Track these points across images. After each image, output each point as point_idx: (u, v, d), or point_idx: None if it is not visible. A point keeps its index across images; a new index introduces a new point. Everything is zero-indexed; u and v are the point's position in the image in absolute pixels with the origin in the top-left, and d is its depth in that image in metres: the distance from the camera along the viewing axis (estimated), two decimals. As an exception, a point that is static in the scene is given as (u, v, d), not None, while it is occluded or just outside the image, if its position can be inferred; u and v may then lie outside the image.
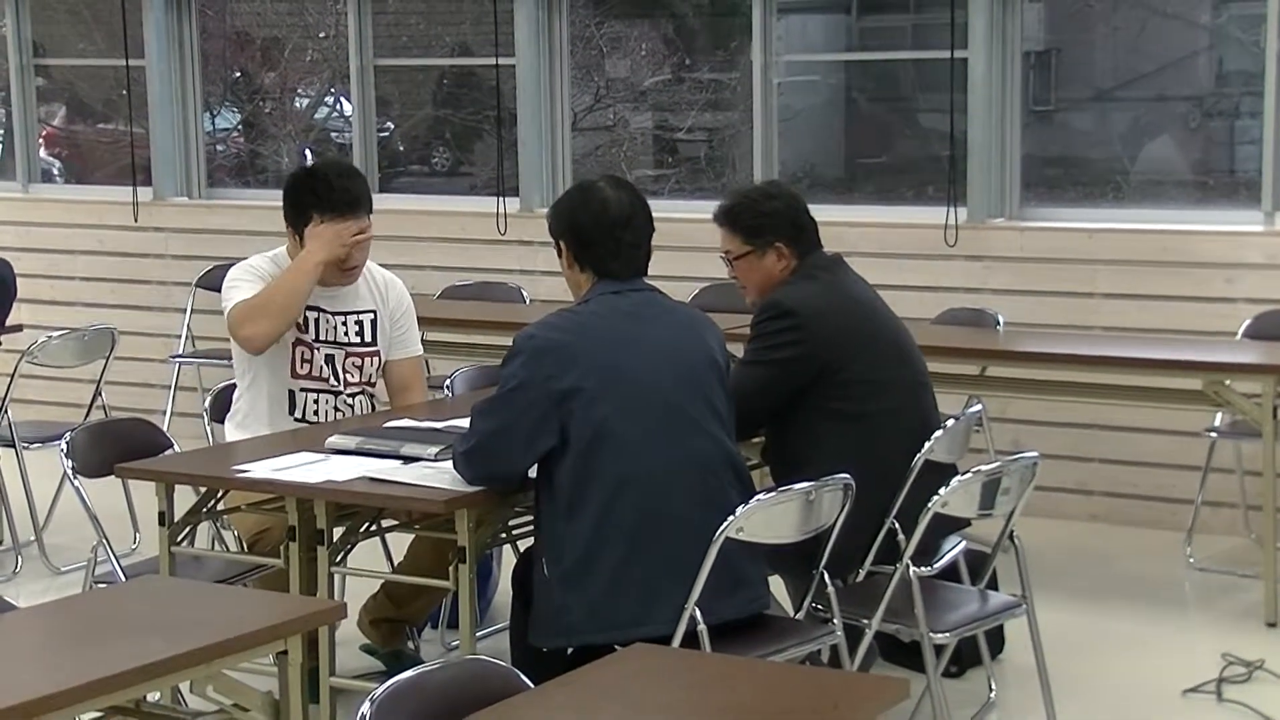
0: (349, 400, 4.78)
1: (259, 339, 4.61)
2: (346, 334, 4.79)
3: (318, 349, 4.74)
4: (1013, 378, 6.06)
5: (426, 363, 5.06)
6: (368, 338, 4.82)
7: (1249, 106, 6.96)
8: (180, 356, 7.70)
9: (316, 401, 4.75)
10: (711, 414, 3.87)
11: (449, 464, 3.97)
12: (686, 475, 3.79)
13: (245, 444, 4.54)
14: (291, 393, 4.73)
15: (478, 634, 4.06)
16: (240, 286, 4.69)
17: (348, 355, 4.78)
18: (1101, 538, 6.42)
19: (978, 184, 6.74)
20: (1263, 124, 6.39)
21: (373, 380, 4.86)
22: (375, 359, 4.84)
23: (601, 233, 3.91)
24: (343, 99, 8.88)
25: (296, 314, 4.64)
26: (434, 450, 4.10)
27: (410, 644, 4.89)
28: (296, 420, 4.71)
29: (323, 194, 4.67)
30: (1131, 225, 6.59)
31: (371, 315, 4.84)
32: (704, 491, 3.80)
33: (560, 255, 4.00)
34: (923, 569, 4.16)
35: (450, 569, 3.95)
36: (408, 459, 4.10)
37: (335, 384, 4.76)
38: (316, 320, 4.75)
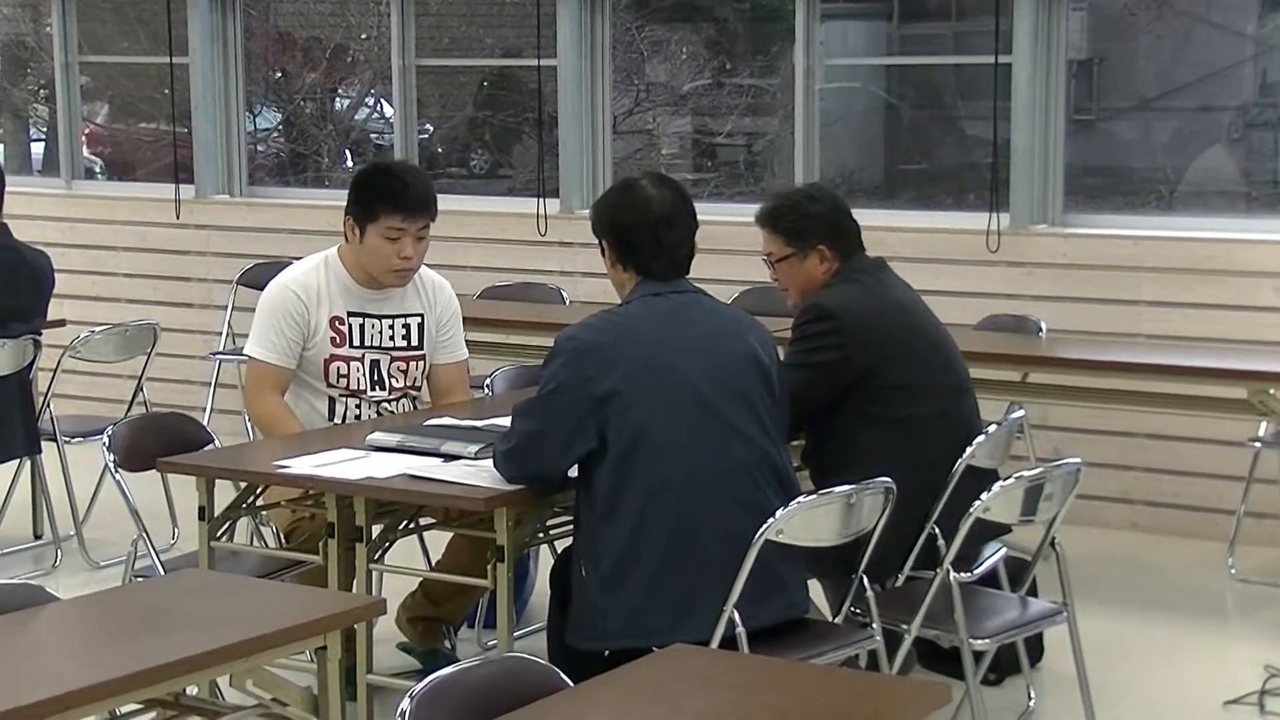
0: (389, 406, 4.78)
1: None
2: (393, 338, 4.78)
3: (357, 361, 4.72)
4: (1054, 384, 6.01)
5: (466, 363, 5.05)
6: (414, 341, 4.81)
7: (1293, 117, 6.92)
8: (221, 353, 7.71)
9: (358, 408, 4.74)
10: (751, 416, 3.84)
11: (489, 462, 3.96)
12: (723, 479, 3.77)
13: (286, 440, 4.55)
14: (331, 400, 4.74)
15: (514, 634, 4.05)
16: (263, 331, 4.68)
17: (393, 360, 4.78)
18: (1143, 547, 6.37)
19: (1020, 189, 6.70)
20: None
21: (417, 383, 4.85)
22: (421, 363, 4.83)
23: (644, 232, 3.89)
24: (383, 100, 8.89)
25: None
26: (474, 449, 4.09)
27: (447, 643, 4.88)
28: (336, 425, 4.71)
29: (398, 191, 4.63)
30: (1177, 233, 6.54)
31: (419, 319, 4.82)
32: (741, 495, 3.77)
33: (603, 255, 3.98)
34: (963, 575, 4.14)
35: (488, 568, 3.95)
36: (448, 457, 4.10)
37: (377, 391, 4.75)
38: (361, 326, 4.74)
